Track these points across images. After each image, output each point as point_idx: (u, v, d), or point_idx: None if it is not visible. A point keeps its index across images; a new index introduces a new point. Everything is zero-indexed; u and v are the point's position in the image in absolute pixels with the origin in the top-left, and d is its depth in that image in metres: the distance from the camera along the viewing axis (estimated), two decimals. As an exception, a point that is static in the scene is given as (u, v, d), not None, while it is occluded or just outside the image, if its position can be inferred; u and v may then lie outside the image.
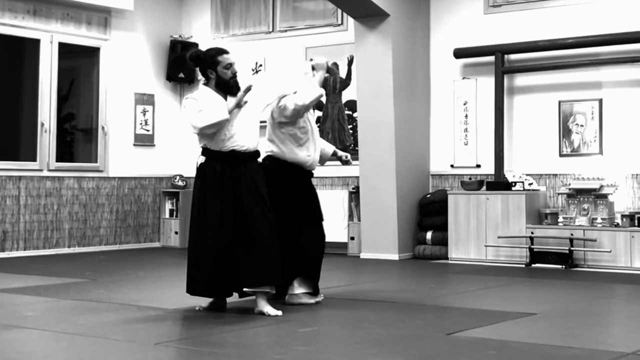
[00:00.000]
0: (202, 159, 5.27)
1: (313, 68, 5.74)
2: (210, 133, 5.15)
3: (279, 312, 5.14)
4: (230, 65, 5.29)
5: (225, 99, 5.26)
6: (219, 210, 5.15)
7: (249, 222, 5.15)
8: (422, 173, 9.34)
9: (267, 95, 5.53)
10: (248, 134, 5.29)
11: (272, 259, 5.18)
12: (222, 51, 5.34)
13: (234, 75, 5.29)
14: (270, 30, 10.41)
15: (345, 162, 6.10)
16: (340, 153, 6.10)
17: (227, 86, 5.27)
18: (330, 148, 6.10)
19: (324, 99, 5.46)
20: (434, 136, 9.44)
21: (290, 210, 5.57)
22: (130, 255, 9.46)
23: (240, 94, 5.18)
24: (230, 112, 5.14)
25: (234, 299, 5.44)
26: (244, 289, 5.24)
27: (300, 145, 5.64)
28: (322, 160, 6.00)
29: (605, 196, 8.03)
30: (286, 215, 5.52)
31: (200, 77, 10.63)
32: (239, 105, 5.18)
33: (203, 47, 5.46)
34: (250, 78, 5.53)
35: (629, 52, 8.27)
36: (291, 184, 5.63)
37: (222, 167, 5.21)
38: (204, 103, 5.19)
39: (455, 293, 6.45)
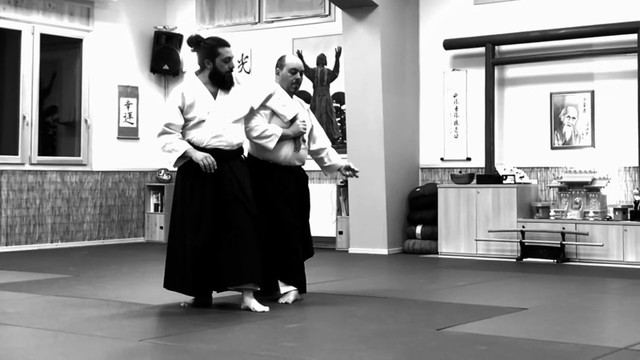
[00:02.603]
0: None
1: (295, 118, 5.48)
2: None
3: (266, 308, 5.07)
4: (229, 59, 5.19)
5: (215, 94, 5.17)
6: (198, 209, 5.07)
7: (232, 220, 5.06)
8: (411, 166, 9.25)
9: (255, 98, 5.35)
10: (233, 133, 5.19)
11: (257, 256, 5.11)
12: (224, 43, 5.22)
13: (231, 69, 5.20)
14: (257, 21, 10.30)
15: (353, 175, 5.81)
16: (347, 164, 5.74)
17: (222, 80, 5.18)
18: (339, 162, 5.76)
19: (270, 144, 5.37)
20: (423, 129, 9.35)
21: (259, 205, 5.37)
22: (114, 251, 9.37)
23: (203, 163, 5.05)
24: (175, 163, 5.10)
25: (220, 294, 5.39)
26: (229, 288, 5.16)
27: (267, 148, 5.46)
28: (331, 170, 5.81)
29: (597, 189, 7.98)
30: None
31: (185, 69, 10.71)
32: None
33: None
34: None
35: (621, 43, 8.20)
36: (262, 181, 5.43)
37: None
38: (190, 98, 5.09)
39: (445, 288, 6.40)
